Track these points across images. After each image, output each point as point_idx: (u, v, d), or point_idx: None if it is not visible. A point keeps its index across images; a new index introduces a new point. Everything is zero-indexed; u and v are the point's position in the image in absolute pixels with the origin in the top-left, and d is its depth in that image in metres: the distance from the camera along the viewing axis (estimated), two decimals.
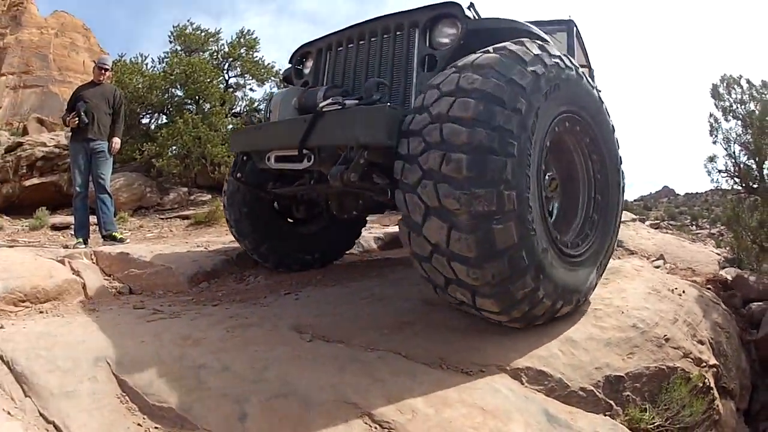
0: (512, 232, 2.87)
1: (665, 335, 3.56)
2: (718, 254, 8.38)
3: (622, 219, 10.46)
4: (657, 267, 6.97)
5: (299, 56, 4.61)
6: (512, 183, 2.90)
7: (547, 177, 3.61)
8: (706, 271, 7.02)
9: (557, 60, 3.39)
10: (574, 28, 6.36)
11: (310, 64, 4.52)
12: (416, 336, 3.20)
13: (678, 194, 71.67)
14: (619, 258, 7.78)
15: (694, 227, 27.62)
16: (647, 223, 11.45)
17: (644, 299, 3.94)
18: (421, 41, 3.81)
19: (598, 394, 3.04)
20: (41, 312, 3.78)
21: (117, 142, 7.56)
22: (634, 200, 56.59)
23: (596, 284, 3.83)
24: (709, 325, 4.30)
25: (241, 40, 16.28)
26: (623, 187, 4.12)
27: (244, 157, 4.29)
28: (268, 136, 4.01)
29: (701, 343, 3.95)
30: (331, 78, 4.28)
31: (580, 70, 3.65)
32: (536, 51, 3.29)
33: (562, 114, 3.54)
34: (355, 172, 3.16)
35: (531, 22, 5.54)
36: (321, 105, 3.58)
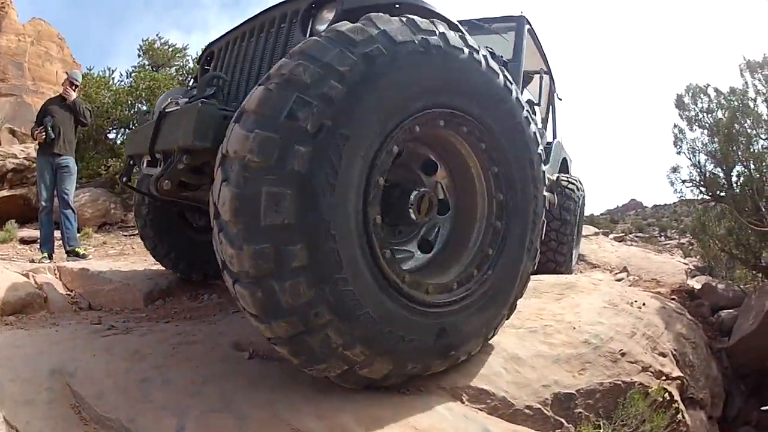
0: (301, 290, 2.19)
1: (621, 350, 3.41)
2: (686, 264, 8.40)
3: (585, 233, 10.69)
4: (620, 280, 7.00)
5: (206, 56, 4.36)
6: (301, 228, 2.19)
7: (413, 195, 2.85)
8: (672, 281, 7.02)
9: (424, 38, 2.60)
10: (525, 26, 6.08)
11: (212, 63, 4.25)
12: None
13: (646, 206, 72.21)
14: (581, 272, 7.72)
15: (662, 238, 27.73)
16: (611, 236, 11.44)
17: (599, 314, 3.79)
18: (300, 31, 3.26)
19: (546, 411, 2.88)
20: (6, 324, 3.85)
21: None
22: (601, 214, 56.97)
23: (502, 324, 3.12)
24: (672, 336, 4.16)
25: None
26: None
27: (131, 161, 3.99)
28: (137, 139, 3.74)
29: (663, 355, 3.80)
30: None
31: (480, 55, 2.89)
32: (383, 28, 2.51)
33: (430, 109, 2.70)
34: (171, 179, 2.83)
35: (477, 20, 5.36)
36: (163, 106, 3.39)
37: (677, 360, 3.96)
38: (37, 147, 7.63)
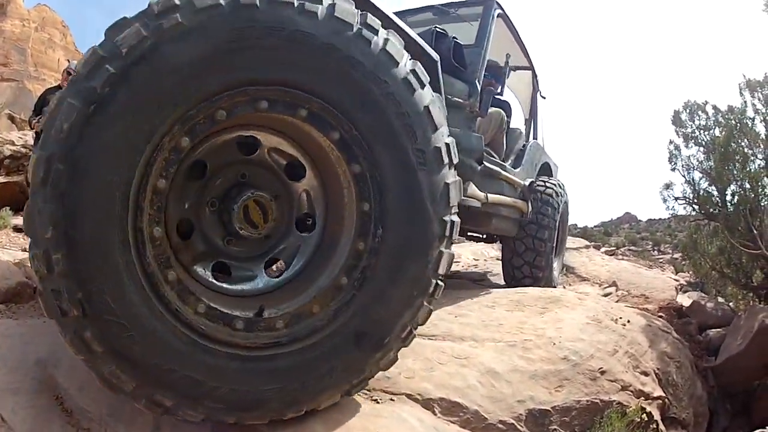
0: (64, 304, 1.89)
1: (601, 368, 3.34)
2: (677, 280, 8.33)
3: (575, 246, 10.34)
4: (608, 294, 6.89)
5: None
6: (60, 239, 1.85)
7: (236, 205, 2.29)
8: (661, 297, 6.92)
9: None
10: (494, 9, 5.12)
11: None
12: None
13: (640, 220, 71.86)
14: (569, 285, 7.63)
15: (656, 253, 27.69)
16: (602, 249, 11.33)
17: (581, 330, 3.71)
18: None
19: (519, 427, 2.82)
20: None
21: None
22: (595, 226, 56.70)
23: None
24: (655, 355, 4.10)
25: None
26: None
27: None
28: None
29: (645, 374, 3.74)
30: None
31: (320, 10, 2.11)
32: None
33: (243, 87, 2.09)
34: None
35: (443, 5, 5.26)
36: None
37: (660, 379, 3.89)
38: (35, 136, 7.54)
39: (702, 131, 6.89)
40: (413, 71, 2.31)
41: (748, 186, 6.06)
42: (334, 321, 2.29)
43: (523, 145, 6.53)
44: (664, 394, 3.75)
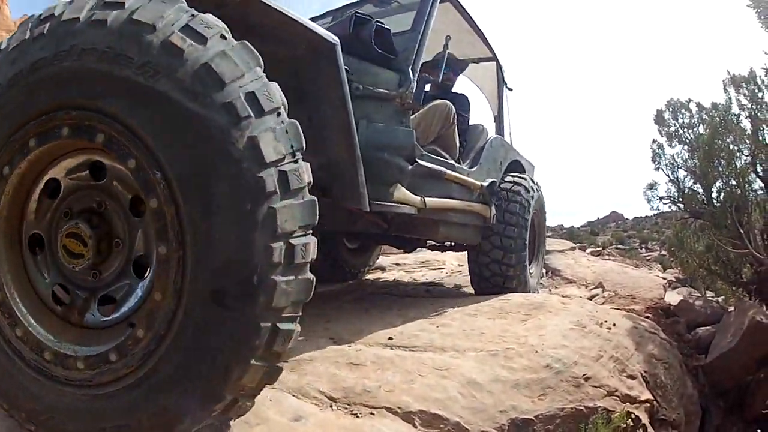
0: None
1: (585, 374, 3.30)
2: (664, 278, 8.31)
3: (560, 248, 10.15)
4: (594, 296, 6.85)
5: None
6: None
7: (59, 234, 2.03)
8: (649, 296, 6.89)
9: None
10: None
11: None
12: (310, 375, 2.97)
13: (627, 219, 72.13)
14: (555, 288, 7.60)
15: (643, 250, 27.74)
16: (588, 250, 11.31)
17: (564, 336, 3.68)
18: None
19: None
20: None
21: None
22: (581, 226, 56.95)
23: None
24: (642, 358, 4.08)
25: None
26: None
27: None
28: None
29: (632, 377, 3.71)
30: None
31: None
32: None
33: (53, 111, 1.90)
34: None
35: None
36: None
37: (647, 382, 3.87)
38: None
39: (686, 129, 6.91)
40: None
41: (734, 183, 6.07)
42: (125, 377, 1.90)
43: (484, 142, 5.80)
44: (651, 397, 3.72)
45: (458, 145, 5.10)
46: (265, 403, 2.56)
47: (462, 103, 5.63)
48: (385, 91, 3.71)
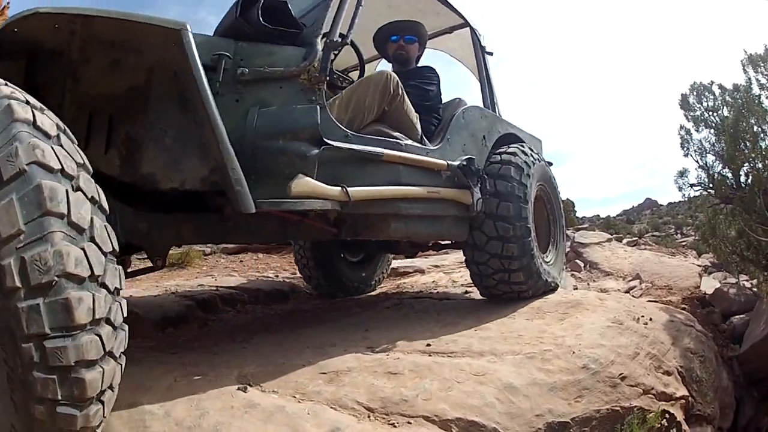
0: None
1: (621, 373, 3.33)
2: (699, 265, 8.29)
3: (597, 240, 10.08)
4: (632, 288, 6.83)
5: None
6: None
7: None
8: (685, 285, 6.92)
9: None
10: None
11: None
12: (348, 386, 3.03)
13: (661, 205, 71.63)
14: (593, 281, 7.61)
15: (678, 236, 27.53)
16: (625, 241, 11.28)
17: (601, 335, 3.68)
18: None
19: None
20: None
21: None
22: (617, 215, 56.59)
23: None
24: (678, 352, 4.09)
25: None
26: None
27: None
28: None
29: (668, 373, 3.74)
30: None
31: None
32: None
33: None
34: None
35: None
36: None
37: (683, 377, 3.89)
38: None
39: (711, 113, 6.83)
40: None
41: (760, 165, 6.00)
42: None
43: (436, 110, 4.96)
44: (687, 393, 3.74)
45: (415, 121, 4.29)
46: (303, 416, 2.65)
47: (425, 75, 5.02)
48: (283, 69, 3.30)
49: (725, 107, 6.69)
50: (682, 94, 7.10)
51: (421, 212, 3.99)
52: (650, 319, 4.29)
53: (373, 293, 6.29)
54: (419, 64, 5.31)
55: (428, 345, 3.59)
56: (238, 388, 2.97)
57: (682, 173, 6.84)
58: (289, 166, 3.07)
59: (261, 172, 3.00)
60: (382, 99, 3.97)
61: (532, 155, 4.97)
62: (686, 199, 7.12)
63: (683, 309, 5.56)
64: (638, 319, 4.22)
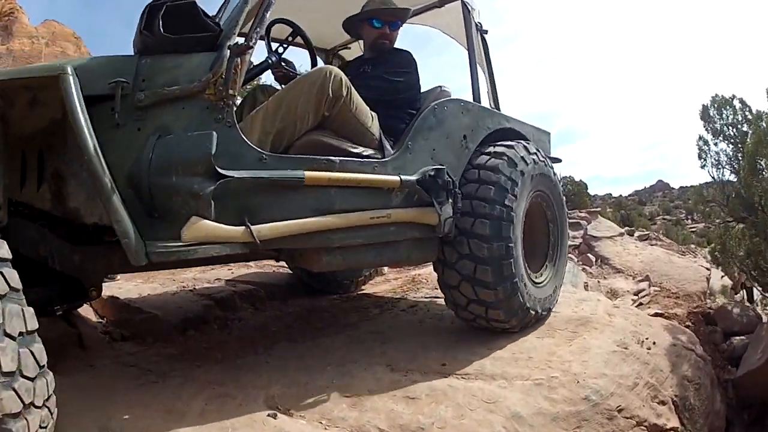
0: None
1: (618, 406, 3.53)
2: (708, 269, 8.41)
3: (609, 234, 10.22)
4: (641, 291, 6.96)
5: None
6: None
7: None
8: (693, 290, 7.10)
9: None
10: None
11: None
12: (369, 411, 3.21)
13: (672, 188, 71.21)
14: (604, 278, 7.77)
15: (689, 221, 27.51)
16: (636, 235, 11.38)
17: (605, 363, 3.86)
18: None
19: None
20: None
21: None
22: (629, 195, 56.42)
23: None
24: (676, 380, 4.27)
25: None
26: None
27: None
28: None
29: (663, 403, 3.93)
30: None
31: None
32: None
33: None
34: None
35: None
36: None
37: (677, 406, 4.08)
38: None
39: (730, 127, 6.96)
40: None
41: None
42: None
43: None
44: (678, 424, 3.92)
45: (369, 124, 3.70)
46: None
47: (395, 62, 4.31)
48: (179, 87, 2.85)
49: (745, 123, 6.76)
50: (703, 105, 7.23)
51: (364, 241, 3.45)
52: (654, 343, 4.47)
53: (388, 289, 6.33)
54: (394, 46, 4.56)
55: (443, 365, 3.75)
56: (269, 415, 3.11)
57: (700, 193, 6.96)
58: (183, 206, 2.68)
59: (161, 212, 2.71)
60: (319, 104, 3.34)
61: (525, 159, 4.19)
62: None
63: (687, 326, 5.74)
64: (642, 342, 4.40)
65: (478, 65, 4.88)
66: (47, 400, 2.24)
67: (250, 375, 3.73)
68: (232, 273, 6.82)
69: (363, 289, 6.54)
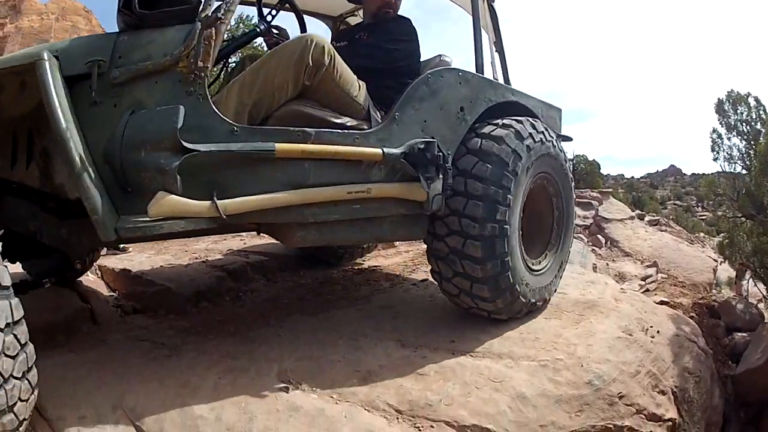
0: None
1: (620, 392, 3.60)
2: (715, 260, 8.44)
3: (620, 216, 10.20)
4: (648, 277, 7.00)
5: None
6: None
7: None
8: (699, 280, 7.15)
9: None
10: None
11: None
12: (380, 387, 3.31)
13: (685, 174, 71.12)
14: (613, 261, 7.81)
15: (699, 209, 27.50)
16: (646, 219, 11.39)
17: (609, 348, 3.91)
18: None
19: None
20: (56, 345, 3.82)
21: None
22: (641, 177, 56.26)
23: None
24: (677, 371, 4.33)
25: (241, 24, 14.65)
26: None
27: None
28: None
29: (663, 393, 4.00)
30: None
31: None
32: None
33: None
34: None
35: None
36: None
37: (676, 396, 4.15)
38: None
39: (743, 124, 7.02)
40: None
41: None
42: None
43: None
44: (676, 416, 3.98)
45: (356, 93, 3.54)
46: (341, 420, 2.96)
47: (395, 30, 4.19)
48: (151, 62, 2.85)
49: (759, 122, 6.80)
50: (718, 99, 7.28)
51: (342, 217, 3.31)
52: (657, 332, 4.52)
53: (400, 262, 6.34)
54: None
55: (452, 342, 3.83)
56: (281, 389, 3.21)
57: (710, 185, 7.00)
58: (152, 181, 2.69)
59: (133, 187, 2.74)
60: (298, 74, 3.21)
61: (532, 137, 3.94)
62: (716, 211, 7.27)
63: (692, 317, 5.81)
64: (647, 330, 4.46)
65: (487, 37, 4.76)
66: (27, 372, 2.45)
67: (263, 348, 3.80)
68: (245, 244, 6.86)
69: (365, 260, 6.55)
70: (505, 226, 3.67)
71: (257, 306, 4.88)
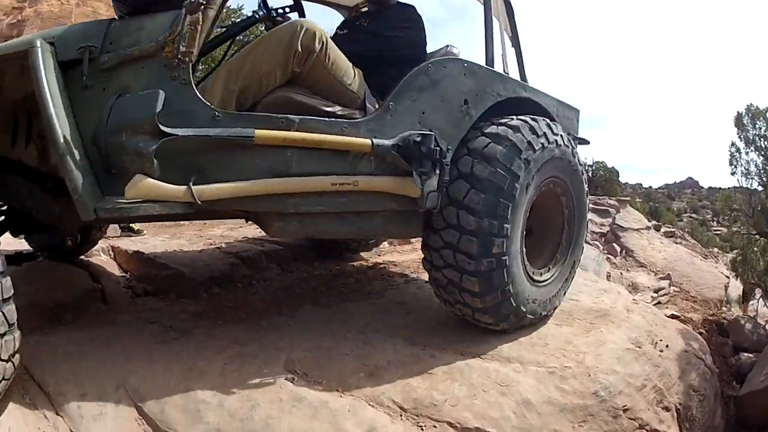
0: None
1: (624, 405, 3.59)
2: (727, 276, 8.42)
3: (636, 226, 10.14)
4: (661, 289, 6.97)
5: None
6: None
7: None
8: (710, 296, 7.10)
9: None
10: None
11: None
12: (386, 383, 3.31)
13: (702, 187, 70.96)
14: (627, 271, 7.79)
15: (714, 223, 27.44)
16: (662, 230, 11.35)
17: (618, 359, 3.89)
18: None
19: None
20: (64, 324, 3.88)
21: None
22: (659, 188, 56.07)
23: None
24: (682, 388, 4.31)
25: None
26: None
27: None
28: None
29: (666, 409, 3.98)
30: None
31: None
32: None
33: None
34: None
35: None
36: None
37: (679, 414, 4.12)
38: None
39: (762, 139, 7.00)
40: None
41: None
42: None
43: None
44: None
45: (350, 82, 3.44)
46: (344, 413, 2.97)
47: (398, 17, 4.05)
48: (138, 47, 2.90)
49: None
50: (738, 112, 7.28)
51: (327, 209, 3.19)
52: (666, 346, 4.50)
53: (415, 258, 6.15)
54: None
55: (462, 342, 3.81)
56: (287, 378, 3.22)
57: (727, 201, 6.99)
58: (132, 164, 2.71)
59: (116, 169, 2.78)
60: (287, 60, 3.14)
61: (541, 139, 3.69)
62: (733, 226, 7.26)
63: (701, 333, 5.77)
64: (656, 343, 4.43)
65: (500, 29, 4.59)
66: (12, 355, 2.59)
67: (273, 336, 3.82)
68: (260, 232, 6.71)
69: (380, 255, 6.53)
70: (504, 258, 3.52)
71: (270, 294, 4.89)
